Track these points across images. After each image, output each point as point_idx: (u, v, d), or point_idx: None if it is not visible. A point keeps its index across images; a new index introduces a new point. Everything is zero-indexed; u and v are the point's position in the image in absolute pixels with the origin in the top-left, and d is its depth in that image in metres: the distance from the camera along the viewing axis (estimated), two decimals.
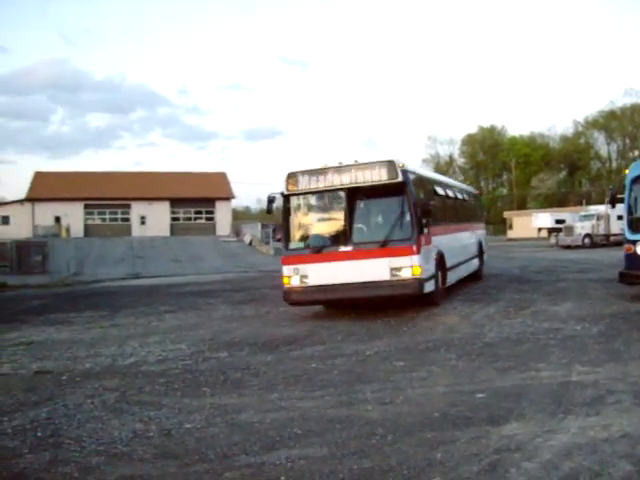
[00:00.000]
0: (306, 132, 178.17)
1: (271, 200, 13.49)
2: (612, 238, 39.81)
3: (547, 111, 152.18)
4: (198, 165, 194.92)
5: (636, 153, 63.86)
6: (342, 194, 12.61)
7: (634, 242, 12.85)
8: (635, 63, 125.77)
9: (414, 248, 11.99)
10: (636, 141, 67.81)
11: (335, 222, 13.04)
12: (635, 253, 12.75)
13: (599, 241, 41.14)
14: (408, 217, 12.18)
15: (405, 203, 12.24)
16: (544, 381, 7.05)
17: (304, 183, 12.76)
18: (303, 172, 12.84)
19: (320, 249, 12.63)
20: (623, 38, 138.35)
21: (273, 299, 17.00)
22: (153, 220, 62.60)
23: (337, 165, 12.73)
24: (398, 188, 12.25)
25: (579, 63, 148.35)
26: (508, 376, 7.38)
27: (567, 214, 53.29)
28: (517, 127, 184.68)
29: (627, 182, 13.48)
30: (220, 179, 68.75)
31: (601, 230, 41.87)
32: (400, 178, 12.10)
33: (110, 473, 5.05)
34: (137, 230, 62.04)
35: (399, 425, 5.83)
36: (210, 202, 65.84)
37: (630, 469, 4.53)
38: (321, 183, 12.66)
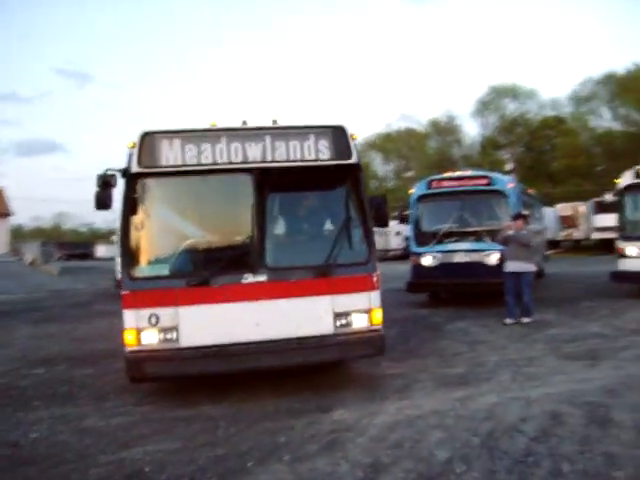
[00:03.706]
0: (90, 148, 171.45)
1: (107, 182, 7.00)
2: (391, 253, 43.12)
3: None
4: None
5: (410, 173, 69.24)
6: (247, 179, 7.13)
7: (420, 254, 14.48)
8: (410, 89, 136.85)
9: (374, 278, 7.27)
10: (410, 162, 73.40)
11: (232, 230, 7.48)
12: (420, 264, 14.38)
13: (379, 256, 44.06)
14: (361, 225, 7.41)
15: (356, 201, 7.47)
16: (358, 377, 8.04)
17: (173, 154, 6.97)
18: (171, 134, 7.05)
19: (204, 280, 6.89)
20: (397, 67, 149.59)
21: (74, 317, 16.79)
22: None
23: (239, 127, 7.40)
24: (348, 175, 7.45)
25: (360, 87, 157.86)
26: (324, 374, 8.16)
27: None
28: None
29: (412, 200, 15.15)
30: None
31: (380, 245, 45.11)
32: (354, 158, 7.31)
33: None
34: None
35: (239, 419, 6.39)
36: None
37: (441, 435, 5.59)
38: (206, 157, 7.03)
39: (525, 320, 11.44)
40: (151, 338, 6.77)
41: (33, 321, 16.60)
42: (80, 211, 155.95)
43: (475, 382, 7.42)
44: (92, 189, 6.98)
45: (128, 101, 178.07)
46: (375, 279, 7.25)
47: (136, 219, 7.06)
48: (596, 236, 36.07)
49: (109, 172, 7.03)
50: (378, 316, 7.22)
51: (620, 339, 9.54)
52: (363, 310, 7.15)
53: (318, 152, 7.20)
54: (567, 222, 40.05)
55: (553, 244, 35.50)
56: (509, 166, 57.85)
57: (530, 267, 11.58)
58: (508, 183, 14.53)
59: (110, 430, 6.27)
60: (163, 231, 7.52)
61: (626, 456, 4.92)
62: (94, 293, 25.97)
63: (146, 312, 6.75)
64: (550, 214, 33.64)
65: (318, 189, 7.86)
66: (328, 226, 7.82)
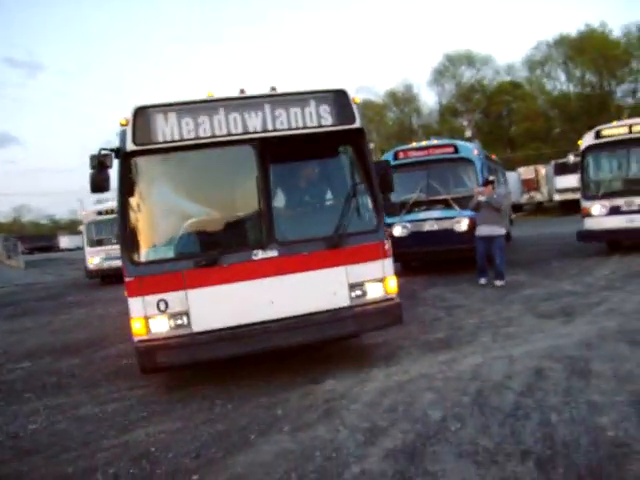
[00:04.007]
0: (45, 140, 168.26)
1: (102, 163, 6.46)
2: None
3: None
4: None
5: (371, 145, 69.56)
6: (249, 150, 6.71)
7: (390, 225, 14.67)
8: (365, 61, 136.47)
9: (385, 245, 7.03)
10: (370, 134, 73.68)
11: (238, 205, 7.10)
12: (391, 235, 14.58)
13: None
14: (368, 192, 7.12)
15: (362, 167, 7.16)
16: (343, 347, 8.16)
17: (169, 129, 6.45)
18: (166, 107, 6.49)
19: (212, 259, 6.51)
20: (351, 40, 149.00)
21: (49, 309, 16.83)
22: None
23: (237, 96, 6.84)
24: (353, 140, 7.15)
25: (316, 62, 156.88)
26: (309, 348, 8.27)
27: None
28: None
29: None
30: None
31: None
32: (358, 122, 6.95)
33: None
34: None
35: (233, 396, 6.53)
36: None
37: (433, 397, 5.82)
38: (205, 129, 6.54)
39: (499, 283, 11.76)
40: (161, 325, 6.38)
41: (7, 316, 16.53)
42: (40, 203, 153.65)
43: (458, 345, 7.66)
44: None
45: (82, 91, 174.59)
46: (387, 246, 7.00)
47: (135, 201, 6.60)
48: (558, 198, 36.72)
49: (103, 152, 6.48)
50: (392, 284, 6.98)
51: (592, 295, 9.89)
52: (377, 279, 6.88)
53: (320, 118, 6.81)
54: (529, 185, 40.70)
55: (516, 207, 36.13)
56: (468, 133, 58.32)
57: (502, 231, 11.88)
58: (473, 150, 14.78)
59: (108, 416, 6.37)
60: (164, 211, 7.06)
61: (608, 403, 5.19)
62: (64, 284, 25.84)
63: (153, 298, 6.34)
64: (512, 178, 34.17)
65: (323, 157, 7.52)
66: (335, 195, 7.54)
